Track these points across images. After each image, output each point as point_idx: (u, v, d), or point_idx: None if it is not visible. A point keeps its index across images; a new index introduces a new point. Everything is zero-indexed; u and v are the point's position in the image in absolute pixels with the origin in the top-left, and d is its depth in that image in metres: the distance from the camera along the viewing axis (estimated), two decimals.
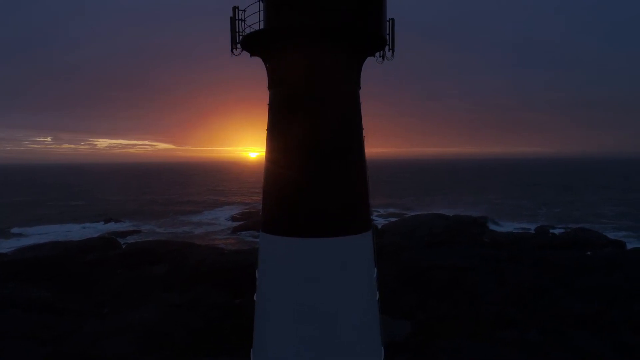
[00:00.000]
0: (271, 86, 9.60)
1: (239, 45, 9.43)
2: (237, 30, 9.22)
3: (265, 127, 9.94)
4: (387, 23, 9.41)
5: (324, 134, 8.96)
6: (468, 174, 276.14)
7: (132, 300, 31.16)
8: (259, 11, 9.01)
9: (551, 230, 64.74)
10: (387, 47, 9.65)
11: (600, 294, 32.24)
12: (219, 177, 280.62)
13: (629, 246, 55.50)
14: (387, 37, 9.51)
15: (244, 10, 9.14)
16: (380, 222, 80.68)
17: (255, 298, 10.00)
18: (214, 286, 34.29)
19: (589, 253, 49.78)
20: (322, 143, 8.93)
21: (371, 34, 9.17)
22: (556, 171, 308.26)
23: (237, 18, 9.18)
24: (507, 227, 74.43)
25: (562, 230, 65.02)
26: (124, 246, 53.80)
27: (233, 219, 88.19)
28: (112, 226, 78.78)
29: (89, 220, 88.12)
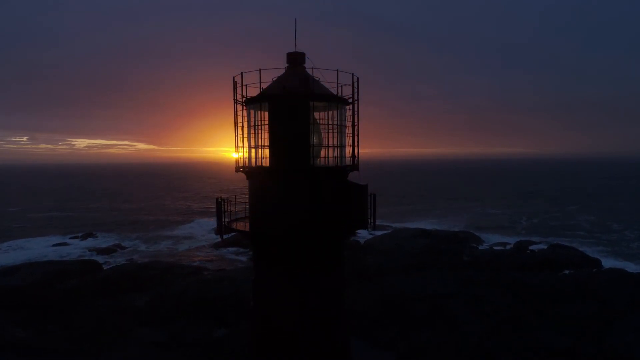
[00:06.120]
0: (256, 259, 9.84)
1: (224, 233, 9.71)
2: (222, 216, 9.51)
3: None
4: (370, 197, 9.58)
5: (306, 303, 9.12)
6: (450, 177, 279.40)
7: (112, 337, 30.77)
8: (244, 212, 9.23)
9: (530, 247, 66.05)
10: (369, 221, 9.83)
11: (574, 324, 33.09)
12: (201, 179, 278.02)
13: (605, 264, 57.01)
14: (370, 210, 9.65)
15: (229, 201, 9.39)
16: (364, 235, 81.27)
17: None
18: (195, 319, 34.08)
19: (567, 272, 51.08)
20: (306, 313, 9.08)
21: (356, 223, 9.39)
22: (536, 173, 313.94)
23: (222, 209, 9.43)
24: (488, 240, 75.73)
25: (540, 246, 66.42)
26: (104, 267, 53.11)
27: (216, 232, 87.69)
28: (91, 242, 77.31)
29: (67, 234, 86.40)
